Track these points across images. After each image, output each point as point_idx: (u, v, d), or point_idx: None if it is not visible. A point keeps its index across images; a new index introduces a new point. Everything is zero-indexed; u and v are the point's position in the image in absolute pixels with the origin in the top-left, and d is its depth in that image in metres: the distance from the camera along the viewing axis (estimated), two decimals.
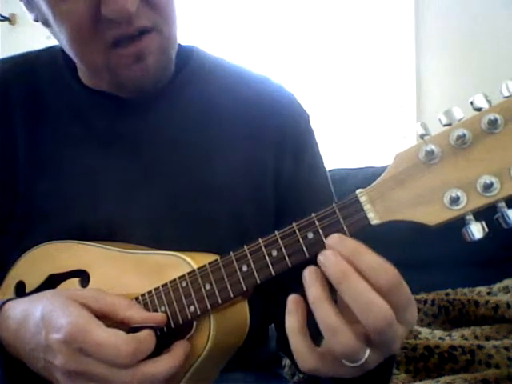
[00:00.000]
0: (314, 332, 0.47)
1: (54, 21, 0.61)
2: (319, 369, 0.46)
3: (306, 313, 0.46)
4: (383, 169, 0.46)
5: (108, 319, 0.53)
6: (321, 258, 0.44)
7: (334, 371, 0.46)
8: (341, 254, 0.44)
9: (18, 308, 0.57)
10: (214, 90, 0.73)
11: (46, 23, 0.65)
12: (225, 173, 0.69)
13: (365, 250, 0.44)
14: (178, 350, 0.54)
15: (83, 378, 0.51)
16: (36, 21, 0.67)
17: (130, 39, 0.60)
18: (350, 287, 0.42)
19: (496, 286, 1.45)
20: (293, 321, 0.46)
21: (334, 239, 0.45)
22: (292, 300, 0.47)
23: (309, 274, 0.45)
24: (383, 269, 0.43)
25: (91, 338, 0.50)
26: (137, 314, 0.54)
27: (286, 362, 1.13)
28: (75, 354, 0.50)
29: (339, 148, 2.32)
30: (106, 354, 0.49)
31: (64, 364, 0.50)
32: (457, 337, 1.22)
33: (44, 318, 0.53)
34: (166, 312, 0.56)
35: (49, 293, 0.57)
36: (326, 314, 0.43)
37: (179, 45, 0.76)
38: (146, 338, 0.52)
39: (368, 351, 0.44)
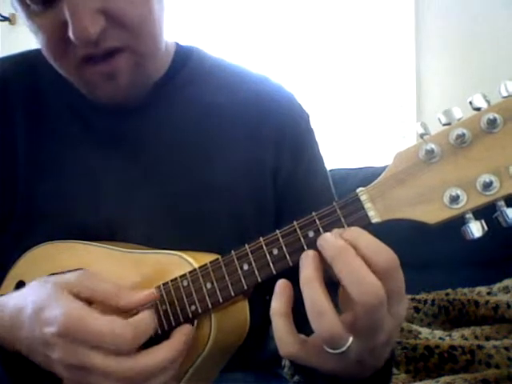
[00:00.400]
0: (299, 323, 0.47)
1: (32, 31, 0.61)
2: (299, 355, 0.46)
3: (294, 300, 0.47)
4: (383, 169, 0.47)
5: (101, 305, 0.53)
6: (320, 240, 0.45)
7: (315, 359, 0.46)
8: (340, 236, 0.45)
9: (9, 303, 0.56)
10: (213, 90, 0.73)
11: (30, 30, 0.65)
12: (224, 173, 0.69)
13: (365, 232, 0.45)
14: (178, 336, 0.53)
15: (84, 370, 0.49)
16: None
17: (100, 58, 0.60)
18: (345, 262, 0.43)
19: (496, 286, 1.46)
20: (278, 303, 0.47)
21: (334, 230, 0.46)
22: (280, 284, 0.47)
23: (305, 256, 0.46)
24: (382, 249, 0.44)
25: (86, 328, 0.48)
26: (129, 298, 0.53)
27: (286, 361, 1.13)
28: (72, 347, 0.49)
29: (339, 148, 2.32)
30: (104, 343, 0.48)
31: (62, 357, 0.49)
32: (457, 337, 1.23)
33: (36, 312, 0.52)
34: (167, 311, 0.56)
35: (36, 284, 0.55)
36: (314, 294, 0.44)
37: (178, 45, 0.76)
38: (144, 320, 0.51)
39: (351, 339, 0.44)
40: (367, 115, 2.34)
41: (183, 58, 0.73)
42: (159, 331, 0.56)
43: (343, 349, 0.44)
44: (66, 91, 0.71)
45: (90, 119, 0.71)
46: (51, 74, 0.72)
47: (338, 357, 0.45)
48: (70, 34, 0.56)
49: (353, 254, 0.43)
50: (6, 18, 2.83)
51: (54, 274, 0.64)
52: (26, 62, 0.75)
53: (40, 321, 0.51)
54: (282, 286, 0.47)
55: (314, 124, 0.76)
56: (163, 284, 0.57)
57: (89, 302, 0.52)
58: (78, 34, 0.56)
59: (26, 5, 0.58)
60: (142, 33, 0.61)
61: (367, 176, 1.79)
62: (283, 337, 0.46)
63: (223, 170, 0.69)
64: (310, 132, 0.76)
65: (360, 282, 0.42)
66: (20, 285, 0.66)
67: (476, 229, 0.43)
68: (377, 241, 0.44)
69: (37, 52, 0.76)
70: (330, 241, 0.45)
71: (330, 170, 0.76)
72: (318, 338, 0.44)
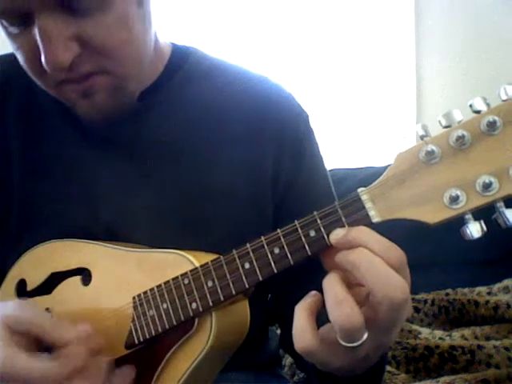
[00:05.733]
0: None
1: (13, 49, 0.60)
2: (314, 349, 0.46)
3: (321, 305, 0.47)
4: (383, 169, 0.47)
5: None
6: (332, 235, 0.47)
7: (329, 354, 0.47)
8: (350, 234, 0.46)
9: None
10: (212, 91, 0.72)
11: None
12: (224, 174, 0.69)
13: (372, 231, 0.46)
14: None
15: None
16: None
17: (75, 81, 0.59)
18: (368, 262, 0.44)
19: (496, 286, 1.46)
20: (305, 300, 0.48)
21: (338, 231, 0.48)
22: (311, 292, 0.49)
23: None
24: (391, 247, 0.45)
25: (17, 370, 0.50)
26: (61, 334, 0.54)
27: (286, 361, 1.14)
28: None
29: (339, 148, 2.33)
30: (32, 379, 0.50)
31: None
32: (457, 337, 1.23)
33: None
34: (168, 309, 0.56)
35: None
36: (334, 285, 0.45)
37: (175, 45, 0.75)
38: (70, 353, 0.52)
39: (366, 334, 0.44)
40: (367, 115, 2.34)
41: (180, 58, 0.73)
42: (160, 330, 0.57)
43: (358, 343, 0.44)
44: None
45: (86, 121, 0.69)
46: None
47: (350, 352, 0.45)
48: (44, 62, 0.55)
49: (369, 252, 0.44)
50: None
51: (54, 274, 0.65)
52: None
53: None
54: (313, 292, 0.49)
55: (314, 124, 0.76)
56: (164, 282, 0.57)
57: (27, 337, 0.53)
58: (49, 61, 0.54)
59: (4, 26, 0.57)
60: (120, 57, 0.59)
61: (367, 176, 1.79)
62: (302, 329, 0.46)
63: (222, 172, 0.69)
64: (310, 132, 0.76)
65: (386, 280, 0.43)
66: (21, 283, 0.67)
67: (475, 229, 0.44)
68: (384, 238, 0.45)
69: None
70: (344, 237, 0.46)
71: (330, 170, 0.76)
72: (335, 330, 0.45)
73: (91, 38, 0.56)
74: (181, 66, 0.73)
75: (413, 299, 1.41)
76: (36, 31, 0.54)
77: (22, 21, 0.55)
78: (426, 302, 1.41)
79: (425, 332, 1.27)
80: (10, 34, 0.57)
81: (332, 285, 0.45)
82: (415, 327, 1.29)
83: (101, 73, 0.59)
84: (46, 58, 0.54)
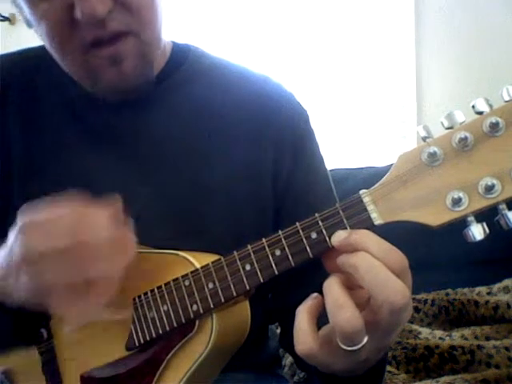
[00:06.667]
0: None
1: (33, 20, 0.61)
2: (315, 352, 0.46)
3: (322, 307, 0.47)
4: (384, 169, 0.47)
5: None
6: (333, 237, 0.47)
7: (329, 357, 0.47)
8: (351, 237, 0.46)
9: None
10: (211, 89, 0.72)
11: (28, 23, 0.65)
12: (223, 173, 0.69)
13: (373, 234, 0.46)
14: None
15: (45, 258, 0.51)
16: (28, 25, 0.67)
17: (106, 41, 0.60)
18: (368, 266, 0.44)
19: (496, 286, 1.46)
20: (306, 303, 0.48)
21: (340, 233, 0.47)
22: (313, 294, 0.49)
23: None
24: (392, 250, 0.45)
25: (41, 216, 0.51)
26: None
27: (286, 361, 1.14)
28: (32, 233, 0.51)
29: (339, 148, 2.33)
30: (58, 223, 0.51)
31: (23, 250, 0.51)
32: (457, 337, 1.22)
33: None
34: (168, 311, 0.56)
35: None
36: (334, 290, 0.45)
37: (175, 44, 0.76)
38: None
39: (366, 338, 0.44)
40: (368, 115, 2.34)
41: (180, 56, 0.73)
42: (160, 331, 0.57)
43: (358, 346, 0.44)
44: (63, 89, 0.71)
45: (86, 118, 0.70)
46: (48, 72, 0.72)
47: (350, 355, 0.45)
48: (78, 13, 0.56)
49: (370, 256, 0.44)
50: (6, 18, 2.83)
51: None
52: (23, 60, 0.75)
53: (7, 248, 0.53)
54: (314, 294, 0.49)
55: (315, 124, 0.76)
56: (165, 284, 0.57)
57: None
58: (87, 12, 0.56)
59: None
60: (145, 19, 0.62)
61: (368, 176, 1.79)
62: (303, 332, 0.47)
63: (222, 171, 0.69)
64: (310, 132, 0.75)
65: (386, 284, 0.43)
66: None
67: (478, 232, 0.44)
68: (386, 242, 0.45)
69: (35, 50, 0.76)
70: (344, 239, 0.46)
71: (331, 170, 0.76)
72: (335, 334, 0.45)
73: None
74: (181, 64, 0.73)
75: (413, 299, 1.40)
76: None
77: None
78: (426, 302, 1.41)
79: (425, 332, 1.27)
80: (33, 3, 0.59)
81: (332, 288, 0.45)
82: (415, 327, 1.29)
83: (129, 34, 0.61)
84: (82, 9, 0.56)
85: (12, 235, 0.53)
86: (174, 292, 0.56)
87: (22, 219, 0.52)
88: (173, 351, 0.57)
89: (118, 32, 0.60)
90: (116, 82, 0.63)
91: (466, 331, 1.25)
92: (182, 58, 0.73)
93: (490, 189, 0.42)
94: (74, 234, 0.50)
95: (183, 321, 0.56)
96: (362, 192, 0.47)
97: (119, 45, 0.60)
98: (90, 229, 0.51)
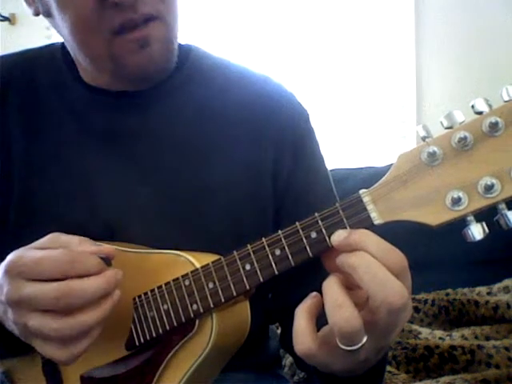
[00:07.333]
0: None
1: (56, 9, 0.61)
2: (314, 352, 0.46)
3: (321, 307, 0.47)
4: (384, 169, 0.47)
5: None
6: (333, 236, 0.47)
7: (329, 357, 0.47)
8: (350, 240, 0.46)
9: None
10: (212, 89, 0.72)
11: (47, 14, 0.65)
12: (223, 173, 0.69)
13: (373, 234, 0.46)
14: (109, 273, 0.53)
15: (26, 305, 0.50)
16: (36, 15, 0.67)
17: (135, 26, 0.61)
18: (366, 266, 0.44)
19: (496, 286, 1.46)
20: (305, 302, 0.48)
21: (340, 232, 0.47)
22: (311, 294, 0.49)
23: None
24: (392, 250, 0.45)
25: (28, 258, 0.51)
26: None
27: (286, 362, 1.14)
28: (16, 280, 0.50)
29: (339, 148, 2.33)
30: (43, 269, 0.50)
31: (8, 294, 0.51)
32: (457, 337, 1.23)
33: None
34: (168, 310, 0.56)
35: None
36: (333, 289, 0.45)
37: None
38: (83, 253, 0.52)
39: (365, 338, 0.44)
40: (368, 115, 2.35)
41: (181, 56, 0.73)
42: (160, 331, 0.57)
43: (357, 346, 0.44)
44: (64, 89, 0.71)
45: (87, 117, 0.70)
46: (49, 71, 0.72)
47: (349, 355, 0.45)
48: None
49: (369, 256, 0.44)
50: (5, 18, 2.84)
51: None
52: (25, 60, 0.75)
53: None
54: (313, 293, 0.49)
55: (315, 124, 0.76)
56: (165, 283, 0.57)
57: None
58: None
59: None
60: (171, 4, 0.64)
61: (368, 176, 1.79)
62: (302, 332, 0.47)
63: (222, 171, 0.69)
64: (311, 131, 0.76)
65: (385, 284, 0.43)
66: None
67: (477, 231, 0.44)
68: (385, 242, 0.45)
69: (36, 50, 0.76)
70: (344, 239, 0.46)
71: (331, 170, 0.76)
72: (334, 334, 0.45)
73: None
74: (182, 64, 0.73)
75: (413, 299, 1.41)
76: None
77: None
78: (426, 302, 1.41)
79: (425, 332, 1.27)
80: None
81: (331, 288, 0.45)
82: (415, 327, 1.29)
83: (157, 19, 0.62)
84: None
85: (1, 269, 0.52)
86: (174, 291, 0.56)
87: (11, 256, 0.52)
88: (173, 351, 0.57)
89: (149, 15, 0.61)
90: (142, 67, 0.64)
91: (466, 331, 1.25)
92: (182, 59, 0.73)
93: (489, 188, 0.42)
94: (61, 281, 0.50)
95: (183, 320, 0.56)
96: (361, 192, 0.47)
97: (149, 27, 0.61)
98: (78, 275, 0.51)
